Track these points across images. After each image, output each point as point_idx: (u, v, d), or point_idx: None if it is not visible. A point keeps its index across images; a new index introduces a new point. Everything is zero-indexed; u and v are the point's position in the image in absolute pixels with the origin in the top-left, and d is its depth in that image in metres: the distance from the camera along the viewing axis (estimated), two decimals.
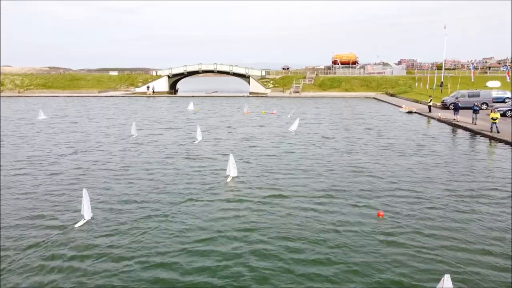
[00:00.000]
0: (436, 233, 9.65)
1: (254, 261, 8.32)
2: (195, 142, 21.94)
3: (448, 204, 11.63)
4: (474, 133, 24.36)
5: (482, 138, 22.79)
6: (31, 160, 17.85)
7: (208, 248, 8.89)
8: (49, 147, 20.90)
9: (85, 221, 10.25)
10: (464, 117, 28.15)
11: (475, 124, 26.02)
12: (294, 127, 26.44)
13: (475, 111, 26.17)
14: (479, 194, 12.49)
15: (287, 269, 8.01)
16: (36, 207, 11.54)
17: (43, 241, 9.23)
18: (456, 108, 28.16)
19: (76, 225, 10.04)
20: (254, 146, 20.85)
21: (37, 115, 34.35)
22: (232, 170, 14.41)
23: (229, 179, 14.22)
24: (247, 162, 17.22)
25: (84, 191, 10.40)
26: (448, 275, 6.95)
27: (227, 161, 14.73)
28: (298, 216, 10.82)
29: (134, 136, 24.35)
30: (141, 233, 9.73)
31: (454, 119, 28.09)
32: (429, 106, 34.79)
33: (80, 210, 10.54)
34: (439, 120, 30.13)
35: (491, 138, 22.21)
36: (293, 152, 19.22)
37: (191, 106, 41.67)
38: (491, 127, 23.13)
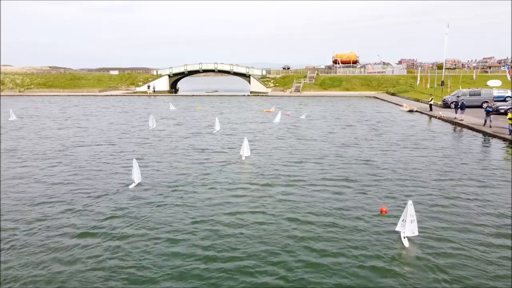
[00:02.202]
0: (438, 220, 9.75)
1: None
2: (213, 132, 24.38)
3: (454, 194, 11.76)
4: (488, 135, 22.35)
5: (487, 137, 22.56)
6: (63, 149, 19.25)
7: (231, 201, 11.81)
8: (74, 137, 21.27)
9: (135, 184, 13.06)
10: (465, 116, 28.11)
11: (490, 127, 23.27)
12: (277, 119, 28.60)
13: (488, 113, 23.36)
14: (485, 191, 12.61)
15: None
16: (96, 177, 14.30)
17: (107, 194, 12.26)
18: (462, 107, 27.06)
19: (130, 187, 12.91)
20: (260, 140, 21.67)
21: (8, 115, 32.11)
22: (245, 150, 16.93)
23: (243, 158, 16.84)
24: (256, 151, 18.53)
25: (134, 161, 13.33)
26: (411, 201, 7.26)
27: (241, 144, 17.35)
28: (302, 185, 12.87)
29: (152, 127, 26.24)
30: (183, 193, 12.41)
31: (455, 118, 28.13)
32: (430, 105, 34.82)
33: (131, 176, 13.31)
34: (440, 118, 30.19)
35: (506, 140, 20.37)
36: (301, 145, 20.28)
37: (172, 107, 41.40)
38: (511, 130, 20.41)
